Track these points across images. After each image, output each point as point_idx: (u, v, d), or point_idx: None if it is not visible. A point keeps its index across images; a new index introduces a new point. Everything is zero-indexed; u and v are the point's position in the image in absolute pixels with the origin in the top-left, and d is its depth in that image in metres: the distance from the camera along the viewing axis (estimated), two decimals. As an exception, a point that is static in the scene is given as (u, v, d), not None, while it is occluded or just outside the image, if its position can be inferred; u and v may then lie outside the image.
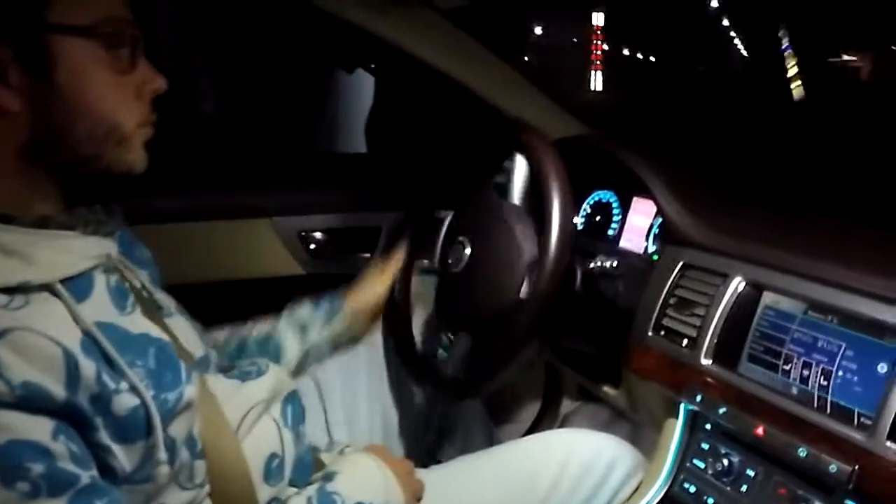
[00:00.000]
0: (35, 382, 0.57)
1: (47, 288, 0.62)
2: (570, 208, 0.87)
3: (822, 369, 0.75)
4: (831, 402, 0.73)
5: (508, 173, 1.11)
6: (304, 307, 1.02)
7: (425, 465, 1.03)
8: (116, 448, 0.63)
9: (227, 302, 1.05)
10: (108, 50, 0.65)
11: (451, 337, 1.09)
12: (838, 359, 0.74)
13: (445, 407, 1.21)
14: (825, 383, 0.74)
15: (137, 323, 0.70)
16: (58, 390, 0.58)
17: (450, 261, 1.04)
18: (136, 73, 0.68)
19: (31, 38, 0.61)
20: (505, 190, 1.07)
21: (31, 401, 0.56)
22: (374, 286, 1.07)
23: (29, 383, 0.56)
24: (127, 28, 0.67)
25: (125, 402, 0.63)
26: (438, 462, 1.19)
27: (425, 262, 1.14)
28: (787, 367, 0.78)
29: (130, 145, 0.68)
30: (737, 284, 0.85)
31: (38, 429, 0.57)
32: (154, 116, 0.72)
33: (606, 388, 1.06)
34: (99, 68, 0.65)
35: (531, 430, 1.52)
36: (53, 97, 0.62)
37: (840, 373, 0.73)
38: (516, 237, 0.96)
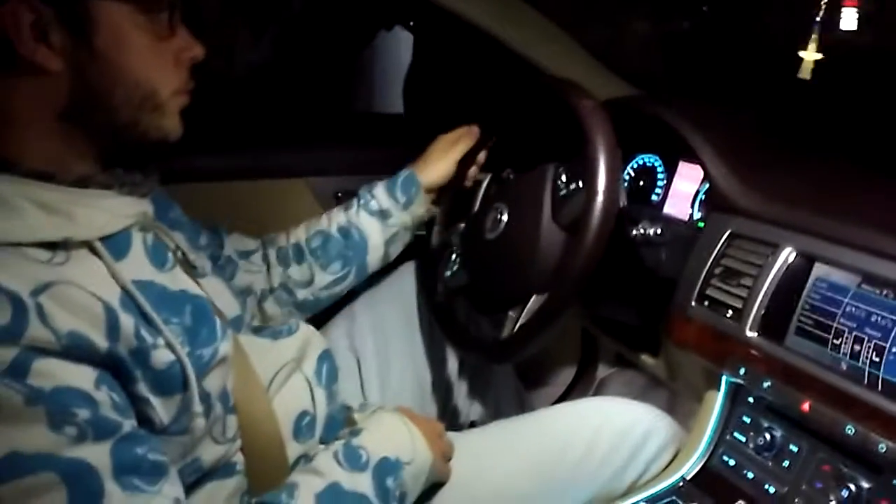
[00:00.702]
0: (79, 332, 0.58)
1: (87, 245, 0.64)
2: (618, 161, 0.83)
3: (875, 345, 0.72)
4: (883, 378, 0.70)
5: (551, 135, 1.08)
6: (381, 194, 1.08)
7: (457, 429, 1.03)
8: (154, 400, 0.64)
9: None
10: (147, 15, 0.66)
11: (486, 300, 1.07)
12: (892, 335, 0.71)
13: (477, 370, 1.21)
14: (877, 359, 0.71)
15: (176, 280, 0.72)
16: (100, 341, 0.60)
17: (486, 226, 1.02)
18: (174, 39, 0.69)
19: (74, 0, 0.61)
20: (546, 152, 1.04)
21: (75, 350, 0.58)
22: (444, 164, 1.10)
23: (74, 333, 0.58)
24: None
25: (162, 356, 0.65)
26: (472, 425, 1.19)
27: (462, 225, 1.12)
28: (837, 342, 0.75)
29: (166, 112, 0.69)
30: (787, 255, 0.82)
31: (83, 377, 0.58)
32: (191, 84, 0.72)
33: (645, 357, 1.05)
34: (138, 33, 0.65)
35: (564, 395, 1.51)
36: (93, 60, 0.63)
37: (894, 349, 0.70)
38: (558, 202, 0.94)
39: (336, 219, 1.07)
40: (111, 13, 0.63)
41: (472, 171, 1.13)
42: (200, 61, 0.72)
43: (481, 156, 1.12)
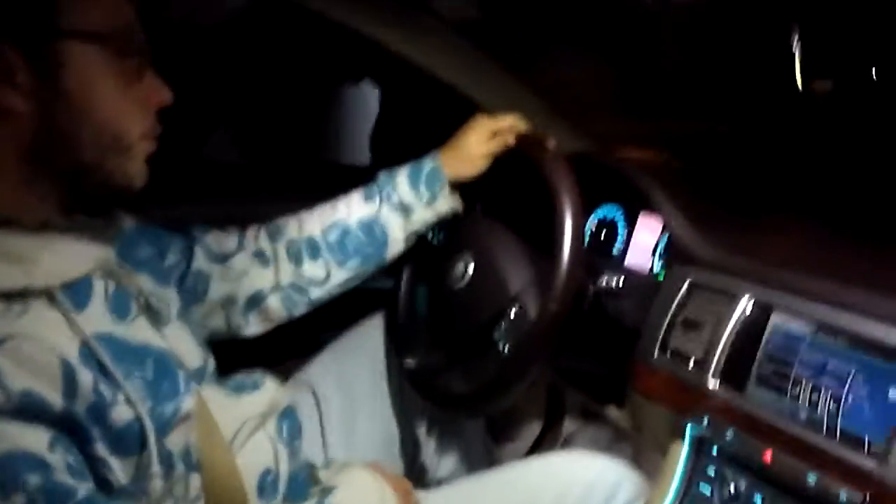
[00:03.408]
0: (34, 391, 0.56)
1: (46, 294, 0.62)
2: (583, 224, 0.86)
3: (832, 394, 0.73)
4: (841, 427, 0.71)
5: (515, 186, 1.10)
6: (403, 187, 1.00)
7: (424, 485, 1.01)
8: (112, 460, 0.62)
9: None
10: (116, 58, 0.65)
11: (454, 353, 1.07)
12: (848, 383, 0.72)
13: (446, 425, 1.20)
14: (835, 408, 0.72)
15: (138, 331, 0.70)
16: (56, 399, 0.57)
17: (451, 276, 1.02)
18: (143, 83, 0.69)
19: (42, 42, 0.61)
20: (510, 204, 1.06)
21: (29, 410, 0.56)
22: (480, 159, 1.00)
23: (28, 392, 0.56)
24: (136, 37, 0.67)
25: (121, 414, 0.63)
26: (438, 482, 1.17)
27: (427, 276, 1.13)
28: (795, 391, 0.76)
29: (133, 156, 0.68)
30: (745, 305, 0.83)
31: (36, 439, 0.56)
32: (159, 129, 0.72)
33: (610, 409, 1.05)
34: (107, 76, 0.65)
35: (532, 450, 1.50)
36: (60, 102, 0.62)
37: (850, 398, 0.72)
38: (522, 253, 0.95)
39: (356, 211, 0.99)
40: (79, 55, 0.63)
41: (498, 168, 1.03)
42: (168, 106, 0.71)
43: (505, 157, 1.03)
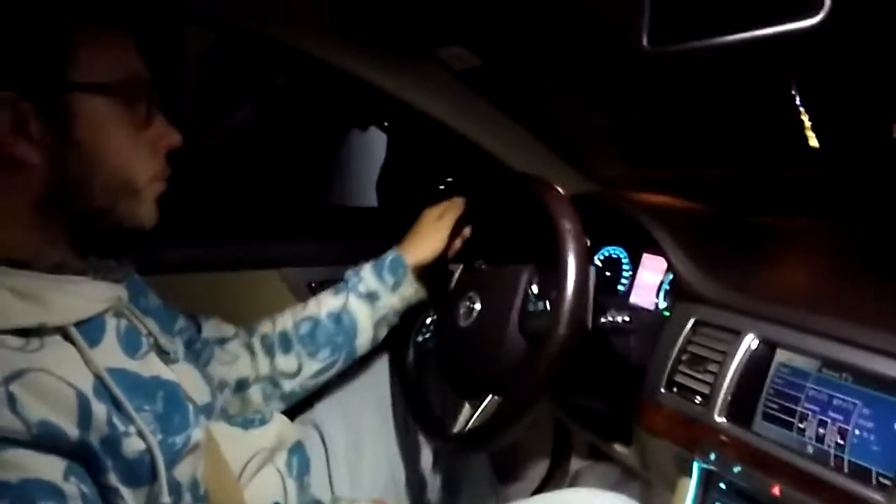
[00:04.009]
0: (51, 421, 0.57)
1: (61, 331, 0.63)
2: (588, 264, 0.87)
3: (839, 428, 0.74)
4: (848, 461, 0.72)
5: (520, 228, 1.12)
6: (368, 276, 1.06)
7: (431, 524, 1.01)
8: (124, 490, 0.63)
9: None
10: (125, 106, 0.67)
11: (461, 390, 1.07)
12: (854, 417, 0.73)
13: (452, 463, 1.19)
14: (841, 442, 0.73)
15: (149, 366, 0.72)
16: (71, 430, 0.59)
17: (458, 315, 1.03)
18: (152, 128, 0.71)
19: (52, 94, 0.63)
20: (516, 245, 1.07)
21: (45, 440, 0.57)
22: (432, 241, 1.09)
23: (45, 422, 0.57)
24: (144, 85, 0.69)
25: (133, 445, 0.64)
26: (445, 520, 1.17)
27: (434, 315, 1.14)
28: (802, 426, 0.77)
29: (143, 199, 0.70)
30: (749, 342, 0.84)
31: (51, 469, 0.57)
32: (168, 171, 0.73)
33: (617, 447, 1.05)
34: (116, 124, 0.67)
35: (540, 489, 1.49)
36: (71, 151, 0.64)
37: (857, 431, 0.72)
38: (529, 293, 0.96)
39: (325, 304, 1.05)
40: (90, 106, 0.64)
41: (458, 243, 1.12)
42: (177, 148, 0.74)
43: (467, 230, 1.12)
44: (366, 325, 1.06)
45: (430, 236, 1.10)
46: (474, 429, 0.92)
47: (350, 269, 1.09)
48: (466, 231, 1.13)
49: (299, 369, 1.02)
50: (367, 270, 1.07)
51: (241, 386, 1.00)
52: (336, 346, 1.04)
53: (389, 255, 1.08)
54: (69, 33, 0.64)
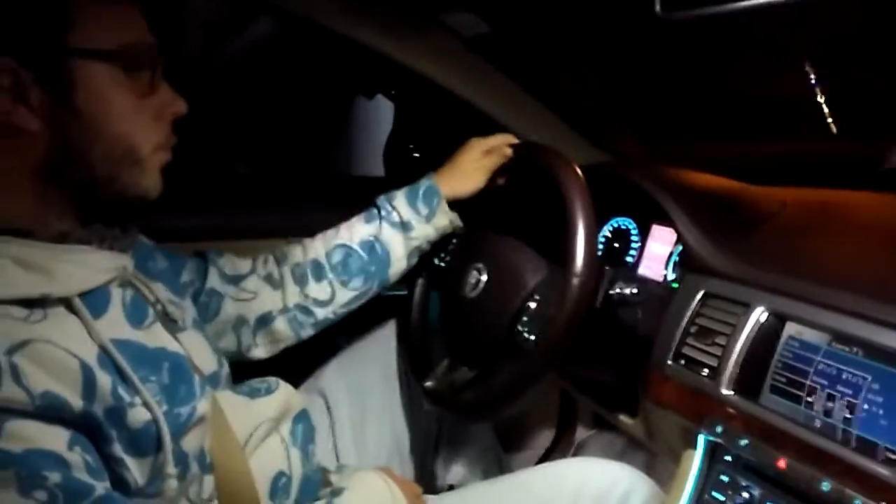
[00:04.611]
0: (54, 392, 0.57)
1: (65, 302, 0.63)
2: (596, 233, 0.86)
3: (847, 402, 0.73)
4: (856, 435, 0.71)
5: (529, 197, 1.11)
6: (401, 205, 1.04)
7: (434, 492, 1.01)
8: (129, 461, 0.63)
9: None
10: (128, 73, 0.66)
11: (465, 361, 1.08)
12: (863, 392, 0.72)
13: (456, 432, 1.20)
14: (849, 416, 0.72)
15: (155, 336, 0.71)
16: (75, 401, 0.58)
17: (464, 285, 1.03)
18: (156, 96, 0.69)
19: (53, 61, 0.62)
20: (524, 214, 1.07)
21: (49, 411, 0.57)
22: (471, 180, 1.06)
23: (49, 393, 0.57)
24: (148, 52, 0.68)
25: (138, 416, 0.64)
26: (448, 488, 1.18)
27: (439, 288, 1.13)
28: (810, 399, 0.76)
29: (146, 168, 0.69)
30: (759, 314, 0.84)
31: (56, 439, 0.57)
32: (174, 140, 0.72)
33: (623, 417, 1.05)
34: (119, 91, 0.65)
35: (544, 457, 1.50)
36: (72, 119, 0.63)
37: (865, 406, 0.72)
38: (536, 263, 0.95)
39: (358, 232, 1.03)
40: (91, 73, 0.63)
41: (496, 187, 1.08)
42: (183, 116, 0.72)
43: (503, 179, 1.09)
44: (399, 254, 1.04)
45: (469, 175, 1.07)
46: (479, 398, 0.92)
47: (382, 197, 1.06)
48: (502, 180, 1.09)
49: (332, 297, 1.01)
50: (399, 199, 1.04)
51: (265, 320, 0.99)
52: (369, 276, 1.03)
53: (424, 184, 1.05)
54: None
